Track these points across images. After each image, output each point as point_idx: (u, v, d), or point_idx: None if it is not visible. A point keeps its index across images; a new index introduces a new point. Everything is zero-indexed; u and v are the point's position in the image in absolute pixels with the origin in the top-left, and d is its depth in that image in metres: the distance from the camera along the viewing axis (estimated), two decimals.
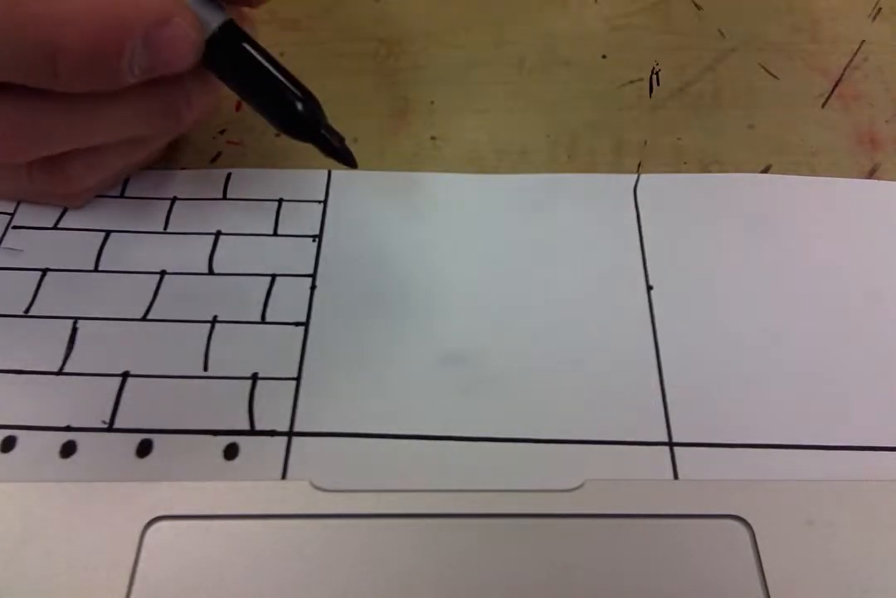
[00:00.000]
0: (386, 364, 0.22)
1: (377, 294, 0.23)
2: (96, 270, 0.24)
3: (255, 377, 0.22)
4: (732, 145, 0.27)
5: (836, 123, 0.28)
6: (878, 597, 0.18)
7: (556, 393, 0.21)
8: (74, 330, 0.22)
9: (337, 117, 0.28)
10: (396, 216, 0.25)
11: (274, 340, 0.22)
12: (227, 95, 0.21)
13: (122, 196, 0.25)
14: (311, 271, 0.24)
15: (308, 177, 0.26)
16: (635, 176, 0.26)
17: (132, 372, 0.22)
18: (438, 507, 0.19)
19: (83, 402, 0.21)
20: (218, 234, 0.25)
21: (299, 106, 0.20)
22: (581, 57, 0.30)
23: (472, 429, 0.21)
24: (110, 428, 0.21)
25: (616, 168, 0.27)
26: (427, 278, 0.24)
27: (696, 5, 0.32)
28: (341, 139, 0.22)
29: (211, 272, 0.24)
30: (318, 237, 0.25)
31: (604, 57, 0.30)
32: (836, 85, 0.29)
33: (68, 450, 0.20)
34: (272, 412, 0.21)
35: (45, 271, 0.23)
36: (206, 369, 0.22)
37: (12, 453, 0.20)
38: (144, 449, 0.20)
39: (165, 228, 0.25)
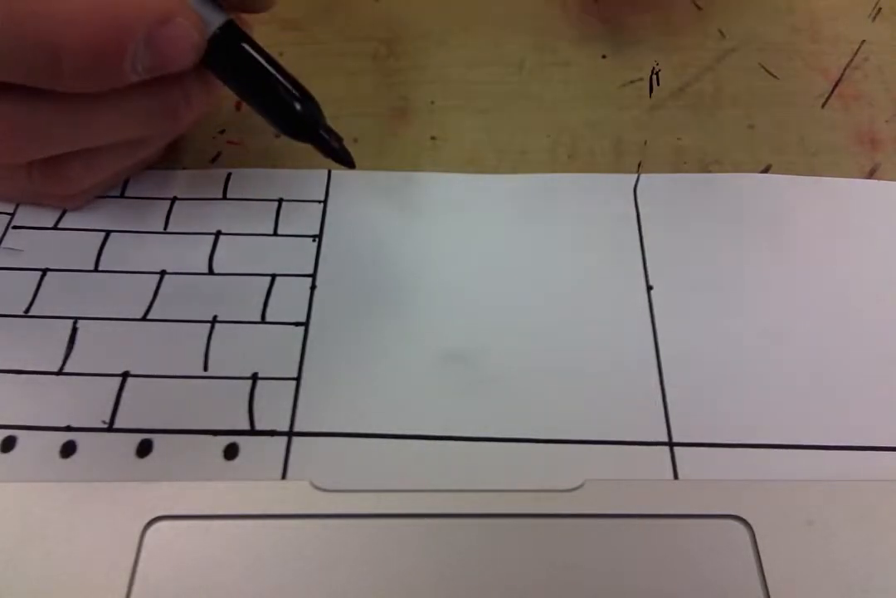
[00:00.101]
0: (386, 364, 0.22)
1: (377, 294, 0.23)
2: (96, 270, 0.24)
3: (255, 377, 0.22)
4: (732, 145, 0.27)
5: (836, 123, 0.28)
6: (878, 597, 0.18)
7: (556, 393, 0.21)
8: (74, 330, 0.22)
9: (337, 117, 0.28)
10: (396, 216, 0.25)
11: (274, 340, 0.22)
12: (227, 95, 0.21)
13: (122, 196, 0.25)
14: (311, 271, 0.24)
15: (308, 177, 0.26)
16: (635, 176, 0.26)
17: (132, 372, 0.22)
18: (438, 507, 0.19)
19: (83, 402, 0.21)
20: (218, 234, 0.25)
21: (298, 106, 0.21)
22: (581, 57, 0.30)
23: (472, 429, 0.21)
24: (110, 428, 0.21)
25: (616, 168, 0.27)
26: (427, 278, 0.24)
27: (696, 5, 0.32)
28: (340, 139, 0.22)
29: (211, 272, 0.24)
30: (318, 237, 0.25)
31: (604, 57, 0.30)
32: (836, 85, 0.29)
33: (68, 450, 0.20)
34: (272, 412, 0.21)
35: (45, 271, 0.23)
36: (206, 369, 0.22)
37: (12, 453, 0.20)
38: (144, 449, 0.20)
39: (165, 228, 0.25)
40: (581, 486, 0.20)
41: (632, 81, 0.29)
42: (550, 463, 0.20)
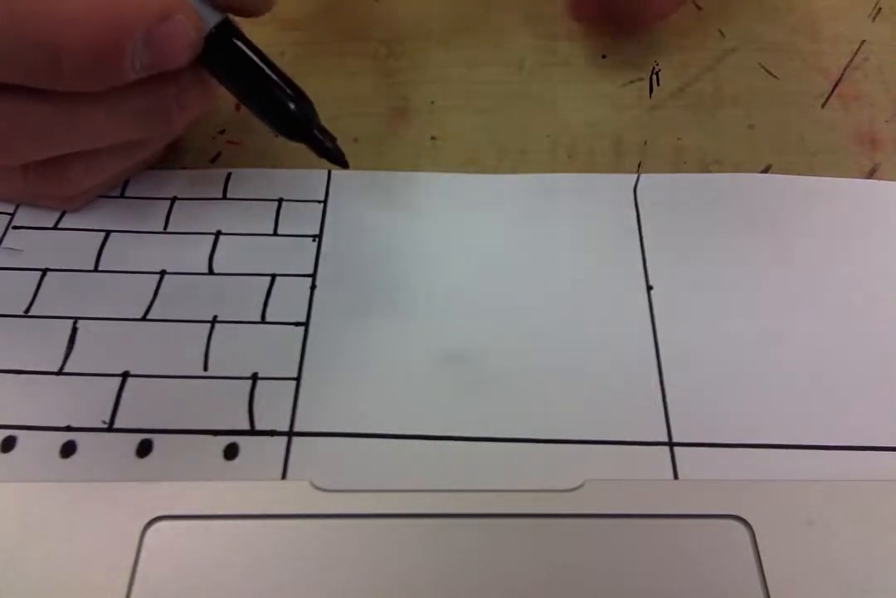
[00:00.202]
0: (386, 364, 0.22)
1: (377, 294, 0.23)
2: (96, 270, 0.24)
3: (255, 377, 0.22)
4: (732, 145, 0.27)
5: (836, 123, 0.28)
6: (878, 597, 0.18)
7: (556, 393, 0.21)
8: (74, 330, 0.22)
9: (337, 117, 0.28)
10: (396, 216, 0.25)
11: (274, 340, 0.22)
12: (226, 96, 0.21)
13: (122, 196, 0.25)
14: (311, 271, 0.24)
15: (308, 177, 0.26)
16: (635, 176, 0.26)
17: (132, 372, 0.22)
18: (438, 507, 0.19)
19: (83, 402, 0.21)
20: (218, 234, 0.25)
21: (292, 106, 0.21)
22: (581, 57, 0.30)
23: (472, 429, 0.21)
24: (110, 428, 0.21)
25: (616, 168, 0.27)
26: (427, 278, 0.24)
27: (696, 5, 0.32)
28: (333, 139, 0.22)
29: (211, 272, 0.24)
30: (318, 237, 0.25)
31: (604, 57, 0.30)
32: (836, 85, 0.29)
33: (68, 450, 0.20)
34: (272, 412, 0.21)
35: (45, 271, 0.23)
36: (206, 369, 0.22)
37: (12, 453, 0.20)
38: (144, 449, 0.20)
39: (165, 228, 0.25)
40: (581, 486, 0.20)
41: (632, 81, 0.29)
42: (550, 463, 0.20)
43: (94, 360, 0.22)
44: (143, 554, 0.18)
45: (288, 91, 0.21)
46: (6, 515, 0.19)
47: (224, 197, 0.26)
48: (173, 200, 0.25)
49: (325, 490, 0.19)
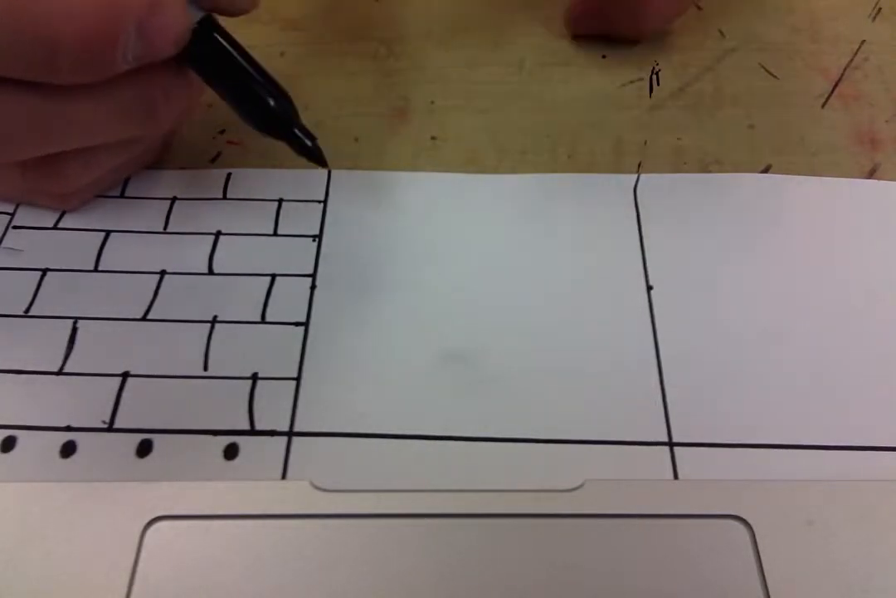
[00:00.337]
0: (386, 364, 0.22)
1: (377, 294, 0.23)
2: (96, 270, 0.24)
3: (255, 377, 0.22)
4: (732, 145, 0.27)
5: (836, 123, 0.28)
6: (878, 597, 0.18)
7: (556, 393, 0.21)
8: (74, 330, 0.22)
9: (337, 117, 0.28)
10: (396, 216, 0.25)
11: (274, 340, 0.22)
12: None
13: (122, 196, 0.25)
14: (311, 271, 0.24)
15: (308, 177, 0.26)
16: (635, 176, 0.26)
17: (132, 372, 0.22)
18: (438, 507, 0.19)
19: (83, 402, 0.21)
20: (218, 234, 0.25)
21: (272, 102, 0.21)
22: (581, 57, 0.30)
23: (472, 429, 0.21)
24: (110, 428, 0.21)
25: (616, 168, 0.27)
26: (427, 278, 0.24)
27: (696, 5, 0.32)
28: (314, 138, 0.22)
29: (211, 272, 0.24)
30: (318, 237, 0.25)
31: (604, 57, 0.30)
32: (836, 85, 0.29)
33: (68, 450, 0.20)
34: (272, 412, 0.21)
35: (45, 271, 0.23)
36: (206, 369, 0.22)
37: (12, 453, 0.20)
38: (144, 449, 0.20)
39: (165, 228, 0.25)
40: (581, 486, 0.20)
41: (632, 81, 0.29)
42: (550, 463, 0.20)
43: (94, 360, 0.22)
44: (143, 554, 0.18)
45: (268, 88, 0.21)
46: (6, 515, 0.19)
47: (224, 197, 0.26)
48: (173, 200, 0.25)
49: (325, 490, 0.19)
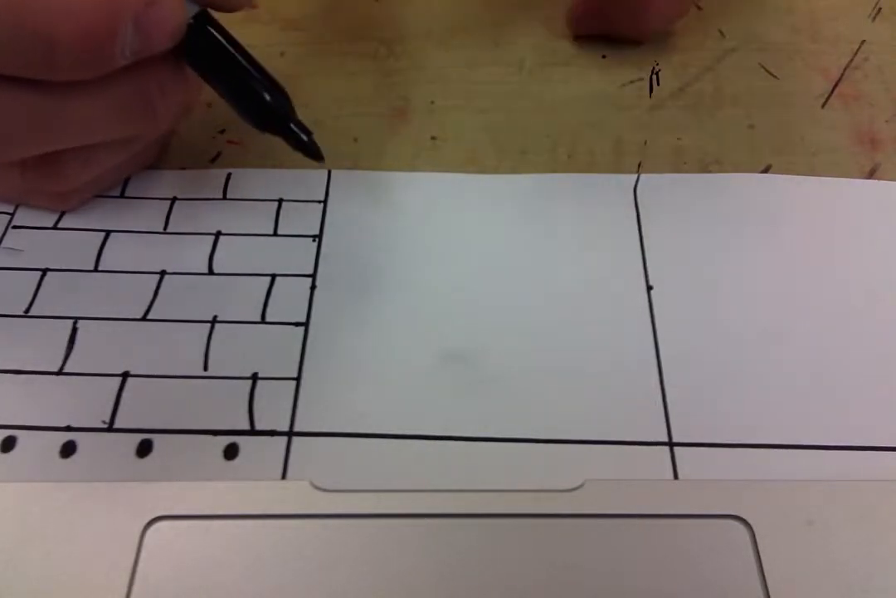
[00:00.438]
0: (386, 364, 0.22)
1: (377, 294, 0.23)
2: (96, 270, 0.24)
3: (255, 377, 0.22)
4: (732, 145, 0.27)
5: (836, 123, 0.28)
6: (878, 597, 0.18)
7: (556, 393, 0.21)
8: (74, 330, 0.22)
9: (337, 117, 0.28)
10: (396, 216, 0.25)
11: (274, 340, 0.22)
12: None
13: (122, 196, 0.25)
14: (311, 271, 0.24)
15: (308, 177, 0.26)
16: (635, 176, 0.26)
17: (132, 372, 0.22)
18: (438, 507, 0.19)
19: (83, 402, 0.21)
20: (218, 234, 0.25)
21: (268, 97, 0.21)
22: (581, 57, 0.30)
23: (472, 429, 0.21)
24: (110, 428, 0.21)
25: (616, 168, 0.27)
26: (427, 278, 0.24)
27: (696, 5, 0.32)
28: (309, 133, 0.22)
29: (211, 272, 0.24)
30: (318, 237, 0.25)
31: (604, 57, 0.30)
32: (836, 85, 0.29)
33: (68, 450, 0.20)
34: (272, 412, 0.21)
35: (45, 271, 0.23)
36: (206, 369, 0.22)
37: (12, 453, 0.20)
38: (144, 449, 0.20)
39: (165, 228, 0.25)
40: (581, 486, 0.20)
41: (632, 81, 0.29)
42: (550, 463, 0.20)
43: (94, 360, 0.22)
44: (143, 554, 0.18)
45: (264, 83, 0.21)
46: (6, 515, 0.19)
47: (224, 197, 0.26)
48: (173, 200, 0.25)
49: (325, 490, 0.19)
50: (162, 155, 0.26)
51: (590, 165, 0.27)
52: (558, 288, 0.24)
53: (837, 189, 0.26)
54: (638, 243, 0.25)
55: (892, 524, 0.19)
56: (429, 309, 0.23)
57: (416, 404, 0.21)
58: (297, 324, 0.23)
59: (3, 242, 0.24)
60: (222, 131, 0.27)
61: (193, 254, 0.24)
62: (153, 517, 0.19)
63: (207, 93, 0.22)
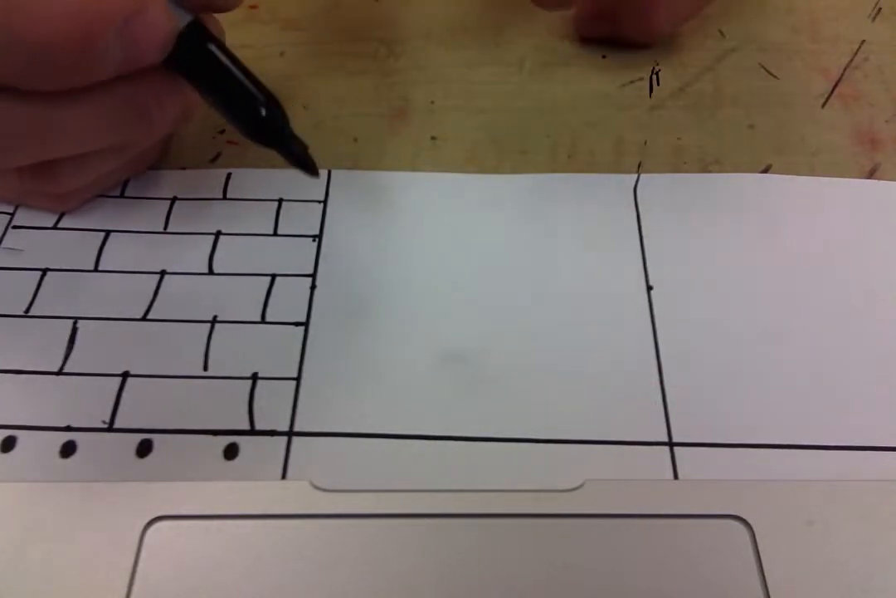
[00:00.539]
0: (386, 364, 0.22)
1: (377, 294, 0.23)
2: (96, 270, 0.24)
3: (255, 377, 0.22)
4: (732, 145, 0.27)
5: (836, 123, 0.28)
6: (878, 597, 0.18)
7: (556, 393, 0.21)
8: (74, 330, 0.22)
9: (337, 117, 0.28)
10: (396, 216, 0.25)
11: (274, 340, 0.22)
12: None
13: (122, 196, 0.25)
14: (311, 271, 0.24)
15: (308, 177, 0.26)
16: (635, 176, 0.26)
17: (132, 372, 0.22)
18: (438, 507, 0.19)
19: (83, 402, 0.21)
20: (218, 234, 0.25)
21: (263, 111, 0.20)
22: (581, 57, 0.30)
23: (472, 429, 0.21)
24: (110, 428, 0.21)
25: (616, 168, 0.27)
26: (427, 278, 0.24)
27: None
28: (305, 147, 0.21)
29: (211, 272, 0.24)
30: (318, 237, 0.25)
31: (604, 57, 0.30)
32: (836, 85, 0.29)
33: (68, 450, 0.20)
34: (272, 412, 0.21)
35: (45, 271, 0.23)
36: (206, 369, 0.22)
37: (12, 453, 0.20)
38: (144, 449, 0.20)
39: (165, 228, 0.25)
40: (581, 486, 0.20)
41: (632, 81, 0.29)
42: (550, 463, 0.20)
43: (94, 360, 0.22)
44: (143, 554, 0.18)
45: (259, 96, 0.20)
46: (6, 515, 0.19)
47: (224, 197, 0.26)
48: (173, 200, 0.25)
49: (325, 490, 0.19)
50: (161, 158, 0.26)
51: (590, 165, 0.27)
52: (558, 288, 0.24)
53: (837, 189, 0.26)
54: (638, 243, 0.25)
55: (892, 524, 0.19)
56: (429, 309, 0.23)
57: (416, 404, 0.21)
58: (297, 324, 0.23)
59: (3, 242, 0.24)
60: (222, 131, 0.27)
61: (193, 254, 0.24)
62: (153, 517, 0.19)
63: None
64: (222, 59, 0.20)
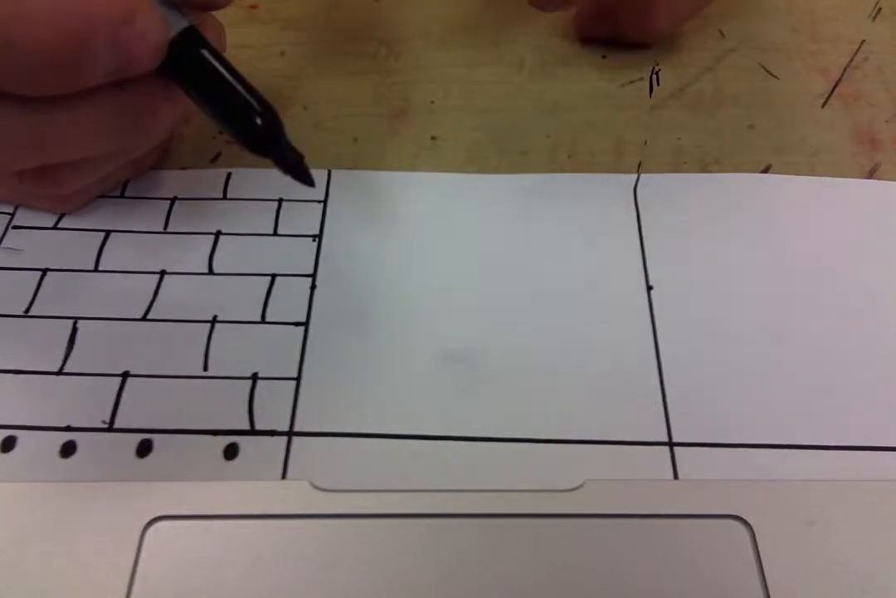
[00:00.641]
0: (386, 364, 0.22)
1: (377, 294, 0.23)
2: (96, 270, 0.24)
3: (255, 377, 0.22)
4: (732, 145, 0.27)
5: (836, 123, 0.28)
6: (877, 597, 0.18)
7: (556, 393, 0.21)
8: (74, 330, 0.22)
9: (337, 117, 0.28)
10: (396, 216, 0.25)
11: (274, 340, 0.22)
12: None
13: (122, 196, 0.25)
14: (311, 271, 0.24)
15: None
16: (635, 176, 0.26)
17: (132, 372, 0.22)
18: (438, 507, 0.19)
19: (83, 402, 0.21)
20: (218, 234, 0.25)
21: (258, 121, 0.19)
22: (581, 57, 0.30)
23: (472, 429, 0.21)
24: (110, 428, 0.21)
25: (616, 168, 0.27)
26: (427, 278, 0.24)
27: None
28: (301, 157, 0.21)
29: (211, 272, 0.24)
30: (318, 237, 0.25)
31: (604, 57, 0.30)
32: (836, 85, 0.29)
33: (68, 450, 0.20)
34: (272, 412, 0.21)
35: (45, 271, 0.23)
36: (206, 369, 0.22)
37: (12, 453, 0.20)
38: (144, 449, 0.20)
39: (165, 228, 0.25)
40: (581, 486, 0.20)
41: (632, 81, 0.29)
42: (550, 463, 0.20)
43: (94, 360, 0.22)
44: (143, 554, 0.18)
45: (254, 104, 0.20)
46: (6, 515, 0.19)
47: (224, 197, 0.26)
48: (173, 200, 0.25)
49: (325, 490, 0.19)
50: (166, 155, 0.26)
51: (590, 165, 0.27)
52: (558, 288, 0.23)
53: (837, 189, 0.26)
54: (638, 243, 0.25)
55: (892, 524, 0.19)
56: (429, 309, 0.23)
57: (416, 404, 0.21)
58: (297, 324, 0.23)
59: (3, 242, 0.24)
60: (222, 131, 0.27)
61: (193, 254, 0.24)
62: (153, 517, 0.19)
63: None
64: (217, 66, 0.19)
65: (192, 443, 0.20)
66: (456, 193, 0.26)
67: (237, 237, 0.25)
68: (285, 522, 0.19)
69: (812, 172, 0.26)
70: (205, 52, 0.19)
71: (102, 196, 0.25)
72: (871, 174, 0.26)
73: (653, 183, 0.26)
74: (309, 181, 0.21)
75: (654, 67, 0.30)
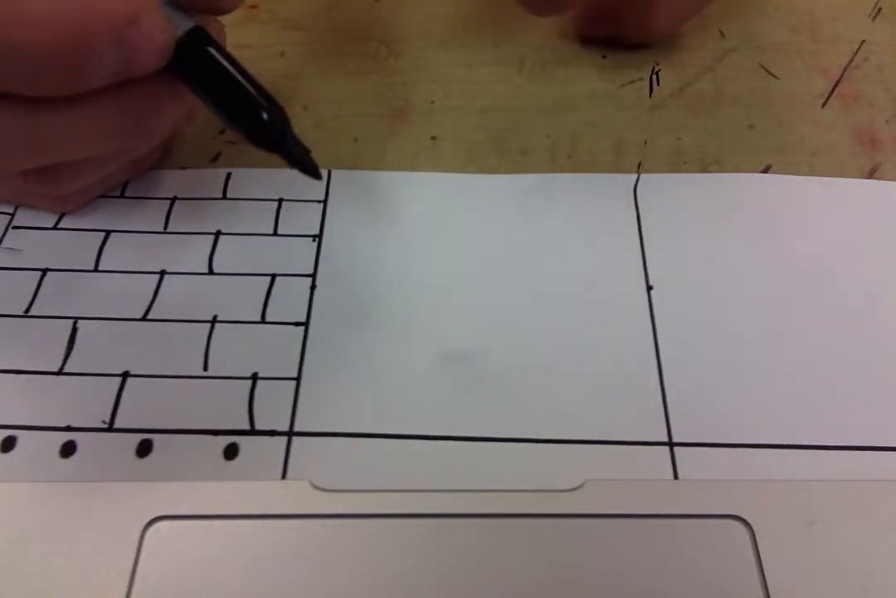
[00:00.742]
0: (386, 364, 0.22)
1: (377, 294, 0.23)
2: (96, 270, 0.24)
3: (255, 377, 0.22)
4: (732, 145, 0.27)
5: (836, 123, 0.28)
6: (877, 597, 0.18)
7: (556, 393, 0.21)
8: (74, 330, 0.22)
9: (337, 117, 0.28)
10: (396, 216, 0.25)
11: (274, 340, 0.22)
12: None
13: (122, 196, 0.25)
14: (311, 271, 0.24)
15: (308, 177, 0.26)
16: (635, 176, 0.26)
17: (132, 372, 0.22)
18: (438, 507, 0.19)
19: (83, 402, 0.21)
20: (218, 234, 0.25)
21: (265, 115, 0.20)
22: (581, 57, 0.30)
23: (472, 429, 0.21)
24: (110, 428, 0.21)
25: (616, 168, 0.27)
26: (427, 278, 0.24)
27: None
28: (307, 151, 0.21)
29: (211, 272, 0.24)
30: (318, 237, 0.25)
31: (604, 57, 0.30)
32: (836, 85, 0.29)
33: (68, 450, 0.20)
34: (272, 412, 0.21)
35: (45, 271, 0.24)
36: (206, 369, 0.22)
37: (12, 453, 0.20)
38: (144, 449, 0.20)
39: (165, 228, 0.25)
40: (581, 486, 0.20)
41: (632, 81, 0.29)
42: (550, 463, 0.20)
43: (94, 360, 0.22)
44: (143, 554, 0.18)
45: (260, 100, 0.20)
46: (6, 515, 0.19)
47: (224, 197, 0.26)
48: (173, 200, 0.25)
49: (325, 490, 0.19)
50: (166, 155, 0.26)
51: (590, 165, 0.27)
52: (558, 288, 0.24)
53: (837, 189, 0.26)
54: (638, 243, 0.25)
55: (892, 524, 0.19)
56: (429, 309, 0.23)
57: (416, 404, 0.21)
58: (297, 324, 0.23)
59: (3, 242, 0.24)
60: (222, 131, 0.27)
61: (193, 254, 0.24)
62: (153, 517, 0.19)
63: None
64: (224, 63, 0.20)
65: (192, 443, 0.20)
66: (456, 193, 0.26)
67: (237, 237, 0.25)
68: (285, 522, 0.19)
69: (812, 172, 0.26)
70: (211, 50, 0.19)
71: (102, 196, 0.25)
72: (871, 174, 0.26)
73: (653, 183, 0.26)
74: (316, 174, 0.21)
75: (654, 67, 0.30)
